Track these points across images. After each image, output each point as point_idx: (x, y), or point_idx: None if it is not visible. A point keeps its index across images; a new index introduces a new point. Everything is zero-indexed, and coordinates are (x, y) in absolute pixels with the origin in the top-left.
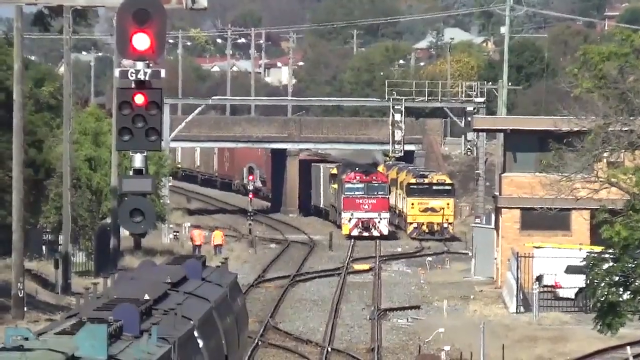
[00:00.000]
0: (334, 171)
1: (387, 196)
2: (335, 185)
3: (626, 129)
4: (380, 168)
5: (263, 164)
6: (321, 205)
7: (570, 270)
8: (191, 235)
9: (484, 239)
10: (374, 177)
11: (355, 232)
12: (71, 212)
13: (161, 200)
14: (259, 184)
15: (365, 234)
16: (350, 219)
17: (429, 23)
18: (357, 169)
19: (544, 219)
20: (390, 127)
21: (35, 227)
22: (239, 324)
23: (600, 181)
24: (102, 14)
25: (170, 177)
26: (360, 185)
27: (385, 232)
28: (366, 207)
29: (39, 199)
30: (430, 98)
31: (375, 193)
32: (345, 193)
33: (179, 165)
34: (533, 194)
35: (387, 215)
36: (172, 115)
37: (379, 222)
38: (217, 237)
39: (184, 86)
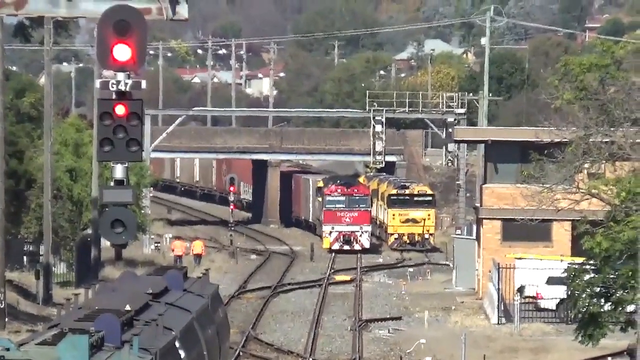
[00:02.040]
0: (320, 184)
1: (368, 209)
2: (320, 198)
3: (607, 140)
4: (361, 179)
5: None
6: (310, 219)
7: (552, 281)
8: (172, 246)
9: (465, 250)
10: (356, 190)
11: (336, 246)
12: (52, 223)
13: (142, 211)
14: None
15: (347, 247)
16: (331, 232)
17: (410, 34)
18: (338, 181)
19: (525, 230)
20: (371, 138)
21: (16, 238)
22: (221, 334)
23: (581, 192)
24: (82, 25)
25: (152, 188)
26: (342, 198)
27: (367, 246)
28: (347, 220)
29: (20, 209)
30: (411, 109)
31: (357, 206)
32: (326, 206)
33: (178, 180)
34: (514, 205)
35: (369, 228)
36: (152, 126)
37: (361, 235)
38: (197, 246)
39: (164, 97)
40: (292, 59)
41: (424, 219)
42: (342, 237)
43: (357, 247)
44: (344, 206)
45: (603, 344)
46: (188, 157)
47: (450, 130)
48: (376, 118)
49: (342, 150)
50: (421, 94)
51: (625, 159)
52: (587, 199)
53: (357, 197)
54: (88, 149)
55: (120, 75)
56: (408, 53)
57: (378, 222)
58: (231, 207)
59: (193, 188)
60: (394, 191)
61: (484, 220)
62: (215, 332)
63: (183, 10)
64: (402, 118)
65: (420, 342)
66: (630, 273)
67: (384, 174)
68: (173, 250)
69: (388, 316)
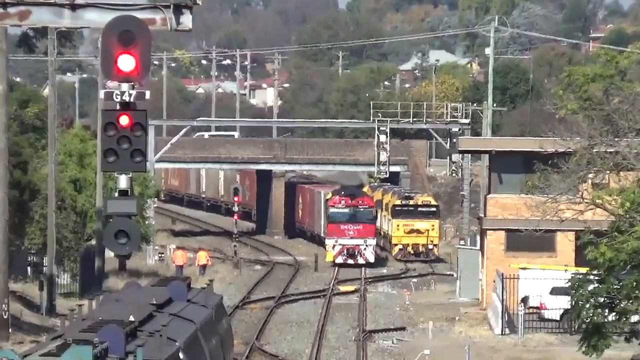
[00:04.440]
0: (329, 196)
1: (373, 221)
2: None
3: (611, 150)
4: (365, 189)
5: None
6: (322, 233)
7: (556, 291)
8: (173, 256)
9: (469, 260)
10: (360, 202)
11: (339, 260)
12: (56, 234)
13: (146, 222)
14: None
15: (350, 261)
16: (335, 245)
17: (414, 45)
18: (342, 192)
19: (529, 241)
20: (376, 149)
21: (19, 249)
22: (225, 345)
23: (586, 202)
24: (86, 36)
25: (156, 199)
26: (346, 210)
27: (372, 260)
28: (351, 233)
29: (24, 220)
30: (415, 119)
31: (361, 218)
32: (330, 218)
33: (204, 195)
34: (518, 215)
35: (374, 241)
36: (157, 137)
37: (365, 249)
38: (202, 257)
39: (168, 107)
40: (296, 70)
41: (428, 230)
42: (345, 250)
43: (361, 261)
44: (348, 218)
45: (607, 354)
46: (192, 167)
47: (454, 140)
48: (380, 128)
49: (346, 160)
50: (425, 104)
51: (630, 169)
52: (591, 209)
53: (361, 209)
54: (92, 159)
55: (125, 86)
56: (412, 63)
57: (382, 233)
58: (235, 217)
59: (218, 203)
60: (398, 201)
61: (488, 231)
62: (219, 342)
63: (187, 21)
64: (406, 128)
65: (424, 353)
66: (635, 283)
67: (388, 184)
68: (174, 261)
69: (392, 327)
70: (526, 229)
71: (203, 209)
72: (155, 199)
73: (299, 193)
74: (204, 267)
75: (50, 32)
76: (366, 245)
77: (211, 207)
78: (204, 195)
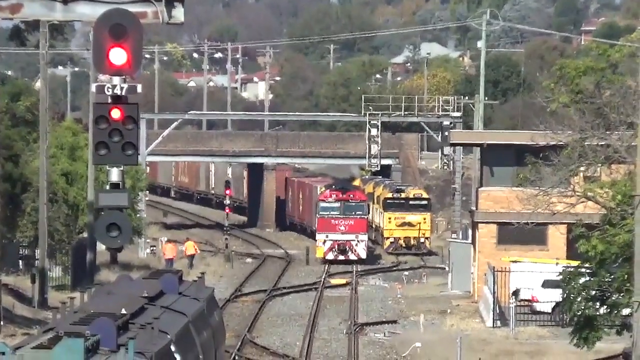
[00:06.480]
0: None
1: (365, 216)
2: None
3: (602, 143)
4: (357, 182)
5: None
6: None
7: (547, 284)
8: (163, 249)
9: (461, 253)
10: (352, 195)
11: (330, 256)
12: (48, 227)
13: (138, 215)
14: None
15: (341, 257)
16: (325, 241)
17: (406, 38)
18: (333, 186)
19: (521, 234)
20: (367, 142)
21: (11, 242)
22: (216, 338)
23: (577, 195)
24: (78, 29)
25: (146, 193)
26: (336, 205)
27: (363, 256)
28: (342, 228)
29: (16, 213)
30: (406, 113)
31: (353, 213)
32: (320, 213)
33: (213, 192)
34: (510, 208)
35: (366, 237)
36: (148, 130)
37: (357, 244)
38: (190, 247)
39: (160, 101)
40: (287, 63)
41: (420, 223)
42: (336, 246)
43: (352, 257)
44: (338, 213)
45: (598, 347)
46: (184, 160)
47: (446, 133)
48: (372, 122)
49: (337, 153)
50: (417, 97)
51: (621, 162)
52: (583, 202)
53: (353, 204)
54: (83, 152)
55: (116, 79)
56: (404, 57)
57: (374, 226)
58: (226, 210)
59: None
60: (390, 195)
61: (480, 224)
62: (210, 335)
63: (179, 14)
64: (397, 121)
65: (415, 346)
66: (626, 276)
67: (380, 177)
68: (164, 254)
69: (384, 319)
70: (518, 222)
71: (212, 206)
72: (148, 191)
73: (295, 187)
74: (192, 257)
75: (42, 25)
76: (358, 241)
77: (220, 203)
78: (213, 192)
